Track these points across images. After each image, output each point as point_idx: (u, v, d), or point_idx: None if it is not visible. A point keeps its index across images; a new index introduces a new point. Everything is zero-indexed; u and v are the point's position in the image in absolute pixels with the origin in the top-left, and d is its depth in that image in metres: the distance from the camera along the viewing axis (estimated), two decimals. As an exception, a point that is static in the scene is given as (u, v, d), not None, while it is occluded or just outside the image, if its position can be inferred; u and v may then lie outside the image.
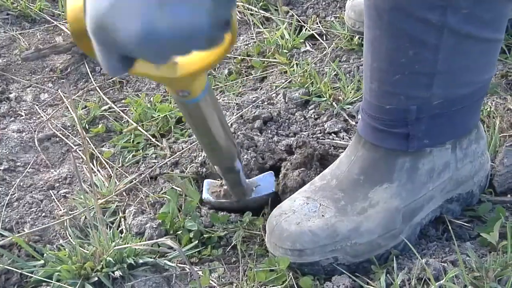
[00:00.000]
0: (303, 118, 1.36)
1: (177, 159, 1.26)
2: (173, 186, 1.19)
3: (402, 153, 0.99)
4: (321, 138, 1.29)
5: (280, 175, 1.15)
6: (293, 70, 1.50)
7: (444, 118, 0.96)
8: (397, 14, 0.87)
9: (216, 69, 1.55)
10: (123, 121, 1.41)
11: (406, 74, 0.92)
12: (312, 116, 1.37)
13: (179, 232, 1.07)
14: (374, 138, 1.00)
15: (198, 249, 1.06)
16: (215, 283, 0.99)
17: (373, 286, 0.94)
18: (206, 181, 1.16)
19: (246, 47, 1.63)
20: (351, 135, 1.31)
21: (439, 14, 0.85)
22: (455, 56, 0.91)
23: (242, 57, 1.59)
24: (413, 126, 0.96)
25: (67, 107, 1.47)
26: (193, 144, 1.27)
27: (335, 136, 1.30)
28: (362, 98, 1.03)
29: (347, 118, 1.35)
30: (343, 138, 1.29)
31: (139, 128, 1.35)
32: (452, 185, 1.04)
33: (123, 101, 1.49)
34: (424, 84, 0.92)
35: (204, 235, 1.08)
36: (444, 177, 1.02)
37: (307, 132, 1.32)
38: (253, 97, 1.42)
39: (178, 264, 1.02)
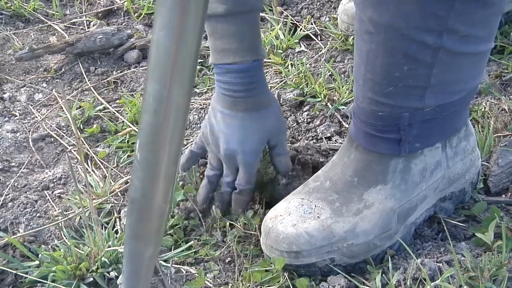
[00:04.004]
0: (295, 124, 1.36)
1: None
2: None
3: (394, 155, 0.99)
4: (314, 145, 1.28)
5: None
6: (288, 71, 1.50)
7: (435, 122, 0.97)
8: (393, 32, 0.87)
9: (211, 69, 1.55)
10: (118, 122, 1.41)
11: (400, 86, 0.92)
12: (305, 120, 1.37)
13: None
14: (366, 143, 1.00)
15: (194, 250, 1.06)
16: (210, 283, 0.99)
17: (368, 286, 0.94)
18: None
19: (241, 47, 1.62)
20: (344, 138, 1.31)
21: (435, 37, 0.85)
22: (449, 71, 0.91)
23: (237, 57, 1.59)
24: (405, 132, 0.96)
25: (62, 107, 1.46)
26: (188, 143, 1.27)
27: (328, 141, 1.30)
28: (354, 102, 1.03)
29: (340, 120, 1.35)
30: (331, 150, 1.28)
31: (134, 129, 1.35)
32: (445, 184, 1.05)
33: (117, 101, 1.48)
34: (417, 95, 0.93)
35: (200, 236, 1.08)
36: (436, 176, 1.03)
37: (300, 137, 1.32)
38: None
39: (173, 265, 1.02)
